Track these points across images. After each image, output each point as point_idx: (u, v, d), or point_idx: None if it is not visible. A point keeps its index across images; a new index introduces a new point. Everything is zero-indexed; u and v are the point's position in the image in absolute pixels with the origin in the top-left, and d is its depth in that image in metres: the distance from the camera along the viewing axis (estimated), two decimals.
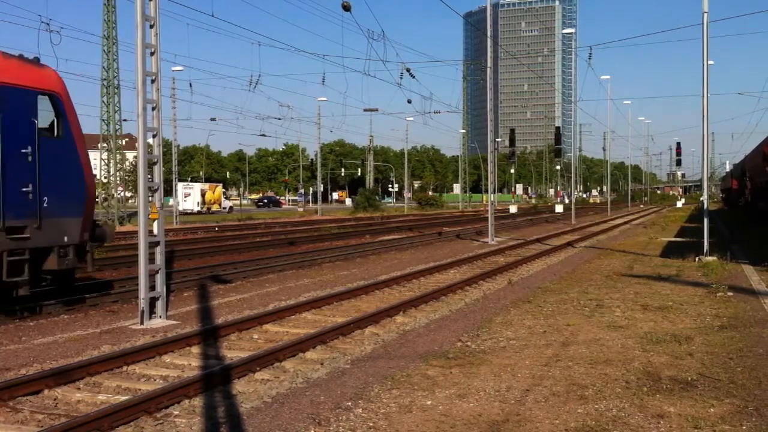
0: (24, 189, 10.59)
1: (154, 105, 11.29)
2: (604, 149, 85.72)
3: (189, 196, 73.29)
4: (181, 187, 70.04)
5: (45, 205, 10.92)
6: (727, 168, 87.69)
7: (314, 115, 70.43)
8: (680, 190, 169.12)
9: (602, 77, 70.48)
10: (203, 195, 75.47)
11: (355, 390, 6.99)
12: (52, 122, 11.37)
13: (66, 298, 12.39)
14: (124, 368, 8.37)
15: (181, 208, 61.21)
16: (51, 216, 11.03)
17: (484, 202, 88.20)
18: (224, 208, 77.20)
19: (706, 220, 20.20)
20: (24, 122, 10.67)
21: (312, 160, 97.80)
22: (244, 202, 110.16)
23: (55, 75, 11.57)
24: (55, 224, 11.13)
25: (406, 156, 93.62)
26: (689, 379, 7.25)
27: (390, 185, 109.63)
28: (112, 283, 14.56)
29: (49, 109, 11.27)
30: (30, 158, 10.69)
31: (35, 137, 10.80)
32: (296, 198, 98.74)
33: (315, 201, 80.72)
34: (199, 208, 72.12)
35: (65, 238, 11.34)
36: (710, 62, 20.09)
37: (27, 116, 10.73)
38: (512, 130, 55.17)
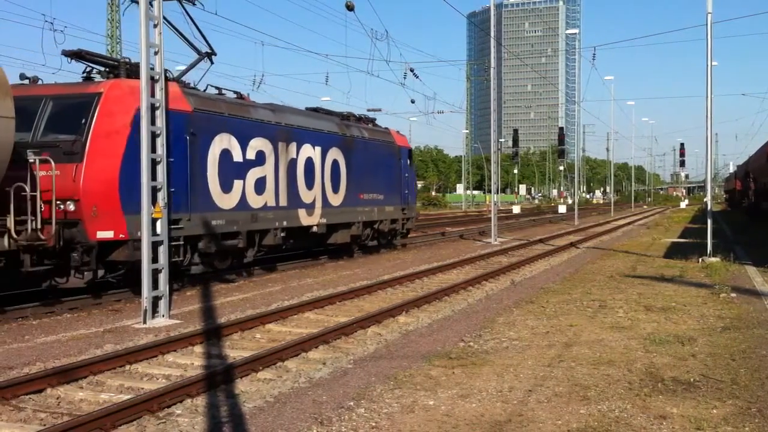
0: (405, 191, 23.53)
1: (158, 104, 11.33)
2: (607, 150, 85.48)
3: None
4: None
5: (408, 198, 23.85)
6: (731, 169, 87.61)
7: None
8: (684, 191, 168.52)
9: (606, 78, 70.61)
10: None
11: (358, 390, 7.00)
12: (407, 159, 23.98)
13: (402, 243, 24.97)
14: (127, 367, 8.39)
15: None
16: (409, 203, 24.06)
17: (487, 203, 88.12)
18: None
19: (709, 221, 20.16)
20: (405, 161, 23.78)
21: None
22: None
23: (406, 138, 24.89)
24: (411, 207, 24.23)
25: None
26: (692, 380, 7.24)
27: None
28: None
29: (408, 154, 24.34)
30: (407, 177, 23.73)
31: (409, 168, 24.13)
32: None
33: None
34: None
35: (412, 213, 24.44)
36: (714, 63, 20.02)
37: (406, 159, 23.88)
38: (515, 131, 55.12)
